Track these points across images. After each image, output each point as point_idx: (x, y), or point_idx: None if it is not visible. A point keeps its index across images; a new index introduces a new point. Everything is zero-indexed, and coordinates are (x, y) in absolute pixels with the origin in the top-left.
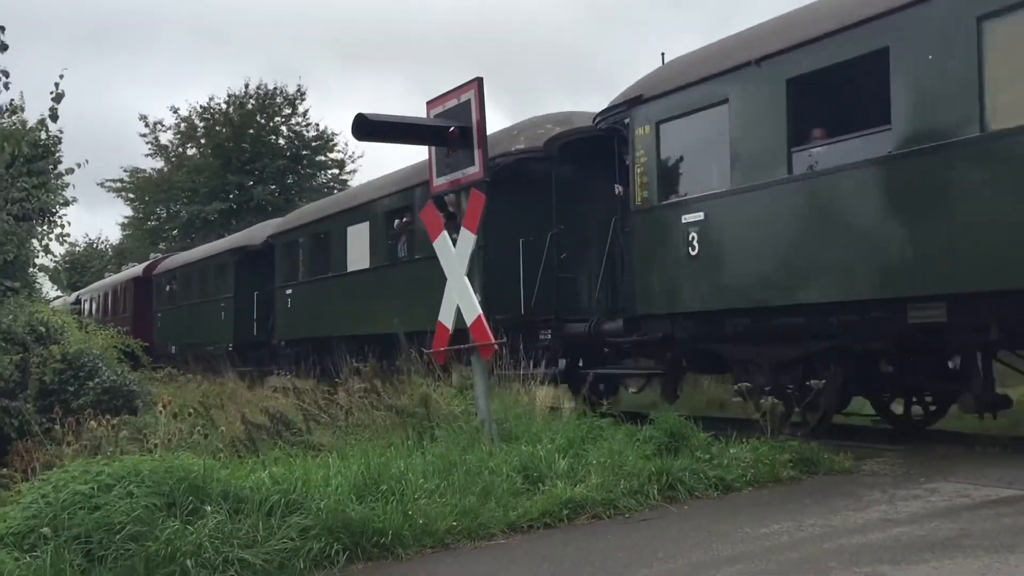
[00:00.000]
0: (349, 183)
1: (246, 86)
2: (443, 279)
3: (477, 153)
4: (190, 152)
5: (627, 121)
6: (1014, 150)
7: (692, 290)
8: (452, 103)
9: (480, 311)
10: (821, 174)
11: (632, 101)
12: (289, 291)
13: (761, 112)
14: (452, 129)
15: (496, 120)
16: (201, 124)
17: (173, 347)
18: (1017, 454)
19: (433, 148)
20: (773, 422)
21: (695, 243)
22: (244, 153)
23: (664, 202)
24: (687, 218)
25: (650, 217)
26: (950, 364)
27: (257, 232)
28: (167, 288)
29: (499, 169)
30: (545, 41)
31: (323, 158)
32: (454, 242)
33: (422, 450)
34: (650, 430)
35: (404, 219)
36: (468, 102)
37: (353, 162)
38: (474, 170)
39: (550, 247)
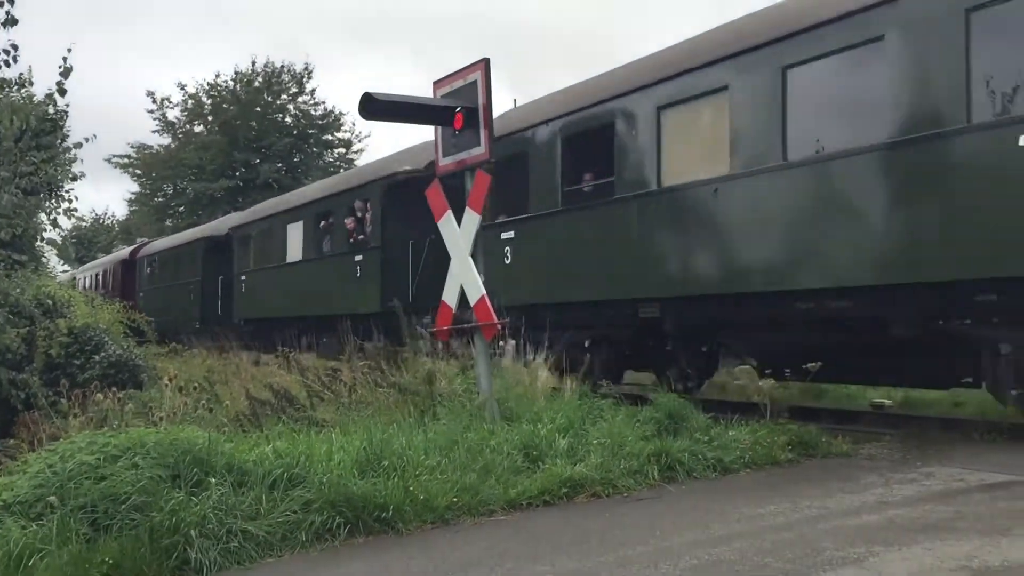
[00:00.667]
0: (356, 163)
1: (253, 63)
2: (350, 272)
3: (483, 134)
4: (197, 129)
5: None
6: (676, 200)
7: (509, 289)
8: (459, 83)
9: (484, 291)
10: (576, 208)
11: None
12: (244, 277)
13: (547, 158)
14: (458, 110)
15: (503, 100)
16: (208, 101)
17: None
18: (1014, 441)
19: (439, 128)
20: (772, 406)
21: (509, 254)
22: (251, 131)
23: (494, 222)
24: (504, 235)
25: (487, 233)
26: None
27: (223, 223)
28: (148, 270)
29: (391, 186)
30: (551, 18)
31: (330, 137)
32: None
33: (424, 427)
34: (650, 411)
35: (328, 220)
36: (475, 83)
37: (360, 141)
38: (480, 151)
39: (428, 249)
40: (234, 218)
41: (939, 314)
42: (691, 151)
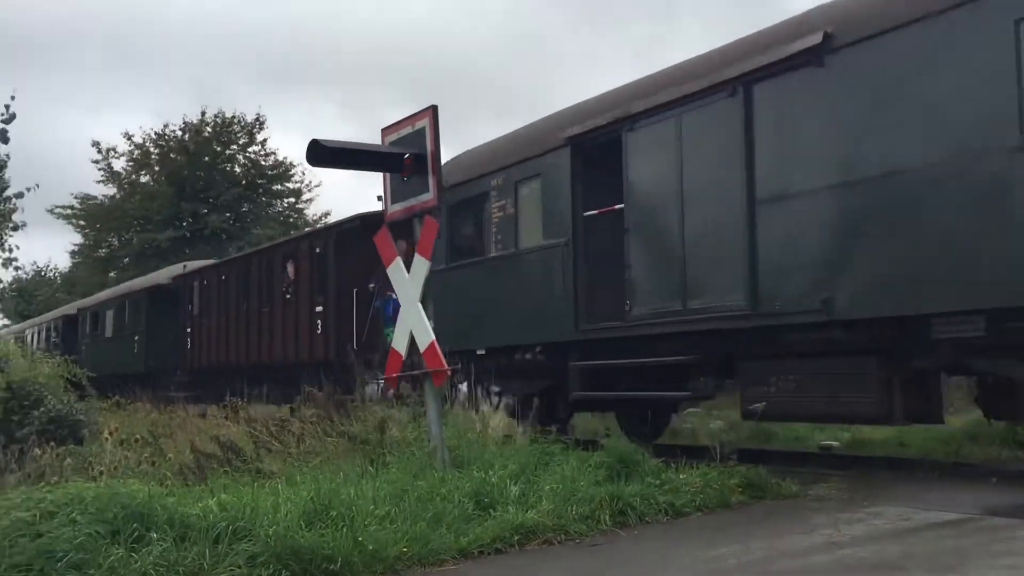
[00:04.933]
0: (305, 212)
1: (203, 113)
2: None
3: (431, 180)
4: (143, 179)
5: None
6: None
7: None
8: (407, 130)
9: (433, 336)
10: None
11: None
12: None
13: None
14: (407, 157)
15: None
16: (155, 151)
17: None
18: (956, 479)
19: (387, 175)
20: (721, 448)
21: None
22: (199, 180)
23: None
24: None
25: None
26: None
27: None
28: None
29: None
30: (475, 66)
31: (279, 187)
32: None
33: (373, 476)
34: (601, 456)
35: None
36: (423, 129)
37: (310, 191)
38: (428, 197)
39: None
40: (81, 302)
41: None
42: None
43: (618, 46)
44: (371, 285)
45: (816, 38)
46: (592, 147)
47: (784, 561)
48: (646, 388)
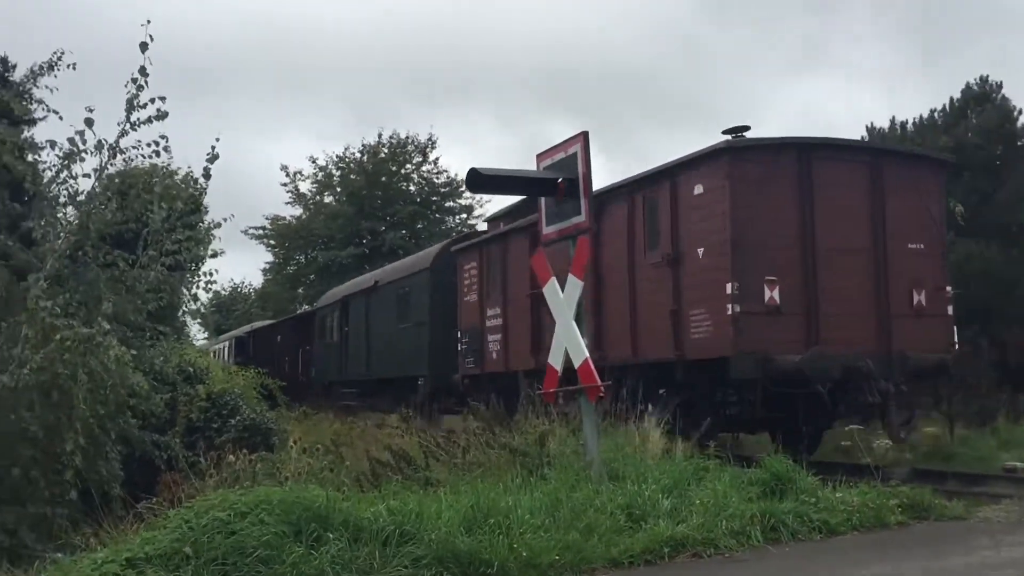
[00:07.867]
0: (476, 227)
1: (379, 135)
2: None
3: (583, 203)
4: (327, 200)
5: None
6: None
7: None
8: (560, 156)
9: (587, 354)
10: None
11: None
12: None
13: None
14: (560, 181)
15: (599, 165)
16: (337, 173)
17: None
18: None
19: (543, 198)
20: (887, 468)
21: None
22: (376, 200)
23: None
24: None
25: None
26: None
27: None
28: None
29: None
30: (629, 73)
31: (452, 204)
32: None
33: (531, 487)
34: (756, 472)
35: None
36: (575, 155)
37: (481, 207)
38: (580, 219)
39: None
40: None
41: None
42: None
43: (773, 44)
44: (307, 348)
45: (371, 282)
46: (351, 300)
47: None
48: None
